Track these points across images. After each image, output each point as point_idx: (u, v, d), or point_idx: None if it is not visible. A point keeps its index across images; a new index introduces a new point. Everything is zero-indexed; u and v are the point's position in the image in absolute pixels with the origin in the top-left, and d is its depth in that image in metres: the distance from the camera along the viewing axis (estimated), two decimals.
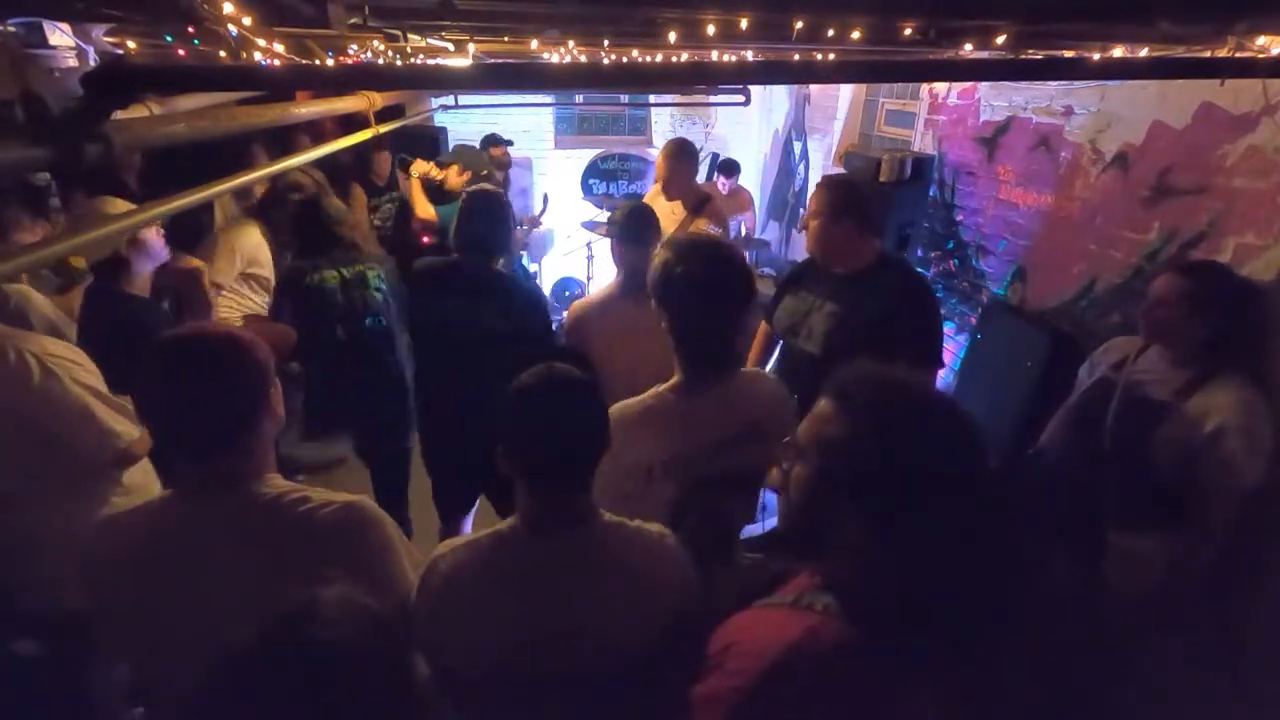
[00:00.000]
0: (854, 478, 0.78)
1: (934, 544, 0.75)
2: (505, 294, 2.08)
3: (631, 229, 2.03)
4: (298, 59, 1.95)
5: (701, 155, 6.39)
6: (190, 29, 1.77)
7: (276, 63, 1.85)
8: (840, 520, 0.80)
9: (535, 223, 5.23)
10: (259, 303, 2.72)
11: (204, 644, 0.98)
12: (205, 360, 1.01)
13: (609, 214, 2.26)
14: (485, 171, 3.22)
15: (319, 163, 2.71)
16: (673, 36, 1.98)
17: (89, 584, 1.05)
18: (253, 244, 2.70)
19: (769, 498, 2.45)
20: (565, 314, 2.17)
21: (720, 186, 5.13)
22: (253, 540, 1.01)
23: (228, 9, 1.33)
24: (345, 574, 1.00)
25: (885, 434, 0.78)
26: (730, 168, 5.21)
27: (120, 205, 1.85)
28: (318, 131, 4.28)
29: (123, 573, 1.01)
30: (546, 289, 5.65)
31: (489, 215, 2.10)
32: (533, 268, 5.81)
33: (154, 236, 1.96)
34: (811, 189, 2.10)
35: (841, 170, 4.53)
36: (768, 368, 2.44)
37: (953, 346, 3.67)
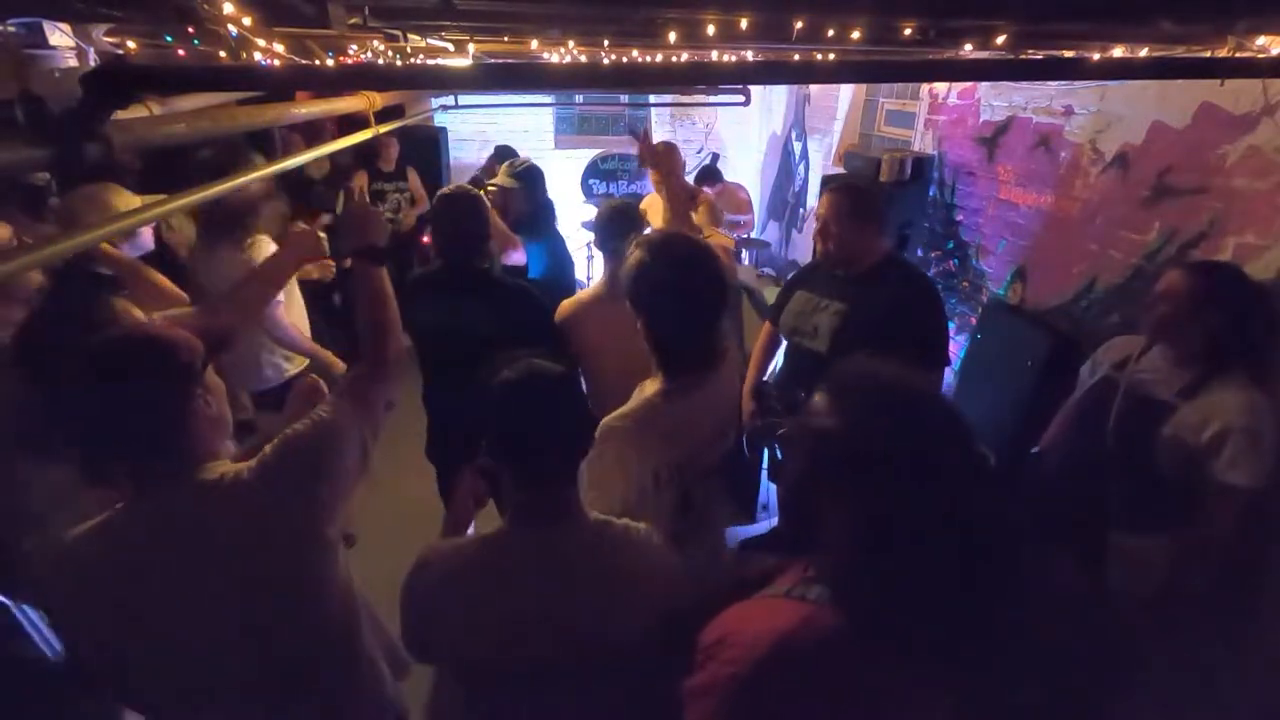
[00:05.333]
0: (837, 468, 0.80)
1: (915, 537, 0.75)
2: (493, 292, 2.06)
3: (611, 228, 2.03)
4: (298, 59, 1.94)
5: (701, 155, 6.41)
6: (190, 29, 1.77)
7: (276, 63, 1.85)
8: (825, 510, 0.81)
9: None
10: None
11: (182, 637, 1.00)
12: (114, 366, 0.97)
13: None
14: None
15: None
16: (673, 36, 1.97)
17: (57, 608, 1.04)
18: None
19: (770, 496, 2.46)
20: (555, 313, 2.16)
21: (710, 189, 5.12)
22: (204, 526, 1.00)
23: (228, 9, 1.33)
24: (315, 486, 1.05)
25: (867, 426, 0.79)
26: (710, 175, 5.11)
27: (123, 194, 1.86)
28: (316, 130, 4.30)
29: (87, 589, 1.00)
30: None
31: (463, 214, 2.05)
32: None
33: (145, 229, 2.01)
34: (812, 189, 2.13)
35: (841, 170, 4.53)
36: (772, 367, 2.46)
37: (953, 346, 3.66)
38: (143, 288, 1.92)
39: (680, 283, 1.32)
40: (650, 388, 1.39)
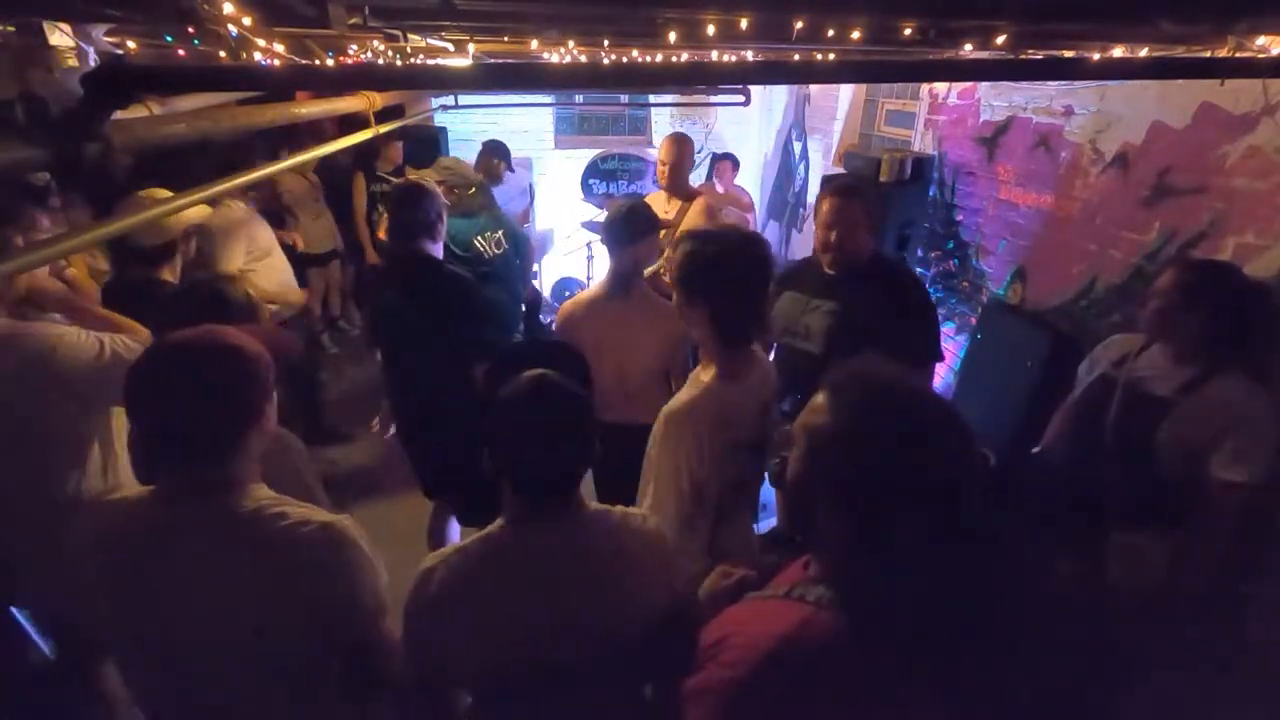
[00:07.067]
0: (834, 467, 0.80)
1: (912, 538, 0.76)
2: (433, 280, 2.12)
3: (616, 229, 2.04)
4: (298, 59, 1.95)
5: (701, 155, 6.42)
6: (190, 29, 1.77)
7: (276, 63, 1.85)
8: (824, 510, 0.81)
9: (524, 219, 5.14)
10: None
11: (171, 648, 0.99)
12: (200, 368, 0.98)
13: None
14: (472, 190, 3.10)
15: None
16: (673, 36, 1.98)
17: (70, 566, 1.03)
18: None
19: (769, 496, 2.46)
20: (556, 313, 2.17)
21: (716, 184, 5.15)
22: (228, 551, 0.99)
23: (228, 9, 1.33)
24: (318, 590, 1.01)
25: (865, 427, 0.79)
26: (726, 156, 5.25)
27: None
28: (317, 130, 4.29)
29: (99, 562, 1.01)
30: (546, 289, 5.64)
31: (409, 205, 2.13)
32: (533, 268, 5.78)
33: None
34: (812, 189, 2.14)
35: (841, 170, 4.53)
36: None
37: (953, 346, 3.67)
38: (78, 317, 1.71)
39: (736, 267, 1.43)
40: (705, 375, 1.49)
